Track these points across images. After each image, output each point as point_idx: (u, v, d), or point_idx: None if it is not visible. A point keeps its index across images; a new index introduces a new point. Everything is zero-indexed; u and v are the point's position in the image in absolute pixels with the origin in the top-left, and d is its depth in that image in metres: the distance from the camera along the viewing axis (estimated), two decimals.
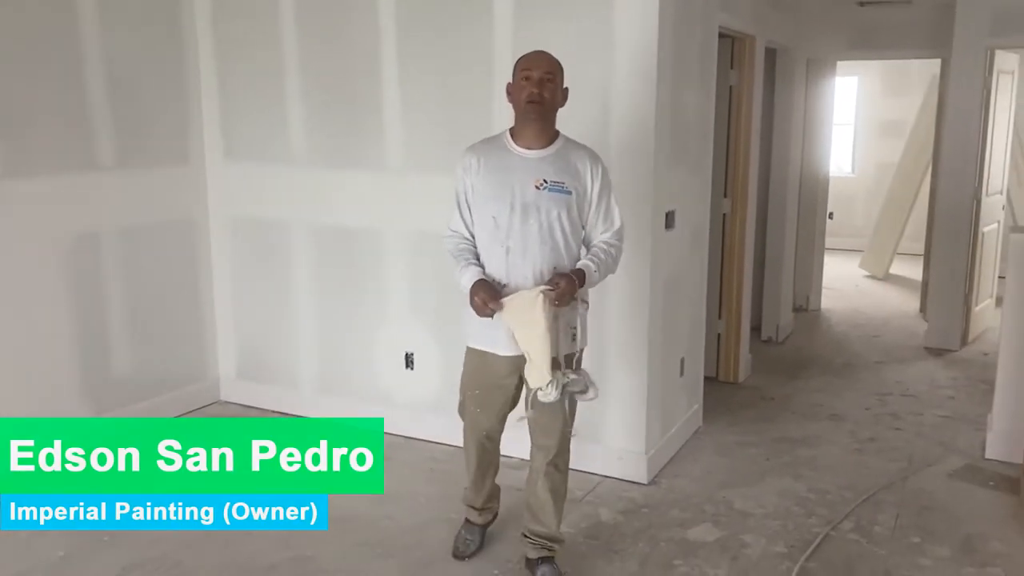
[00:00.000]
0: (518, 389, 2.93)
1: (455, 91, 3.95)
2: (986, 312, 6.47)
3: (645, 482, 3.82)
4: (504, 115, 3.75)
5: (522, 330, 2.71)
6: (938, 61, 6.88)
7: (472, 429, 3.06)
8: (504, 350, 2.82)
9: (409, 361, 4.29)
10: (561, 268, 2.78)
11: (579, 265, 2.81)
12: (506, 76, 3.75)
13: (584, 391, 2.83)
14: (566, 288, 2.68)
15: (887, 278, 8.68)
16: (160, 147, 4.44)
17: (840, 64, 7.27)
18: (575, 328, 2.83)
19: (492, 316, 2.71)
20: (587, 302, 2.90)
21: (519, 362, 2.80)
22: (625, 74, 3.59)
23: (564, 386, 2.76)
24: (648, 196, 3.63)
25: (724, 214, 5.12)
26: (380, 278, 4.29)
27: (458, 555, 3.19)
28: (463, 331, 2.98)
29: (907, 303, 7.59)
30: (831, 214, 7.63)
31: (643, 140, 3.60)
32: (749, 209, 5.17)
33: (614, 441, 3.87)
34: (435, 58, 3.98)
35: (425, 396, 4.25)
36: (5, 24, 3.69)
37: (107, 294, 4.22)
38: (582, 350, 2.91)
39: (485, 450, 3.08)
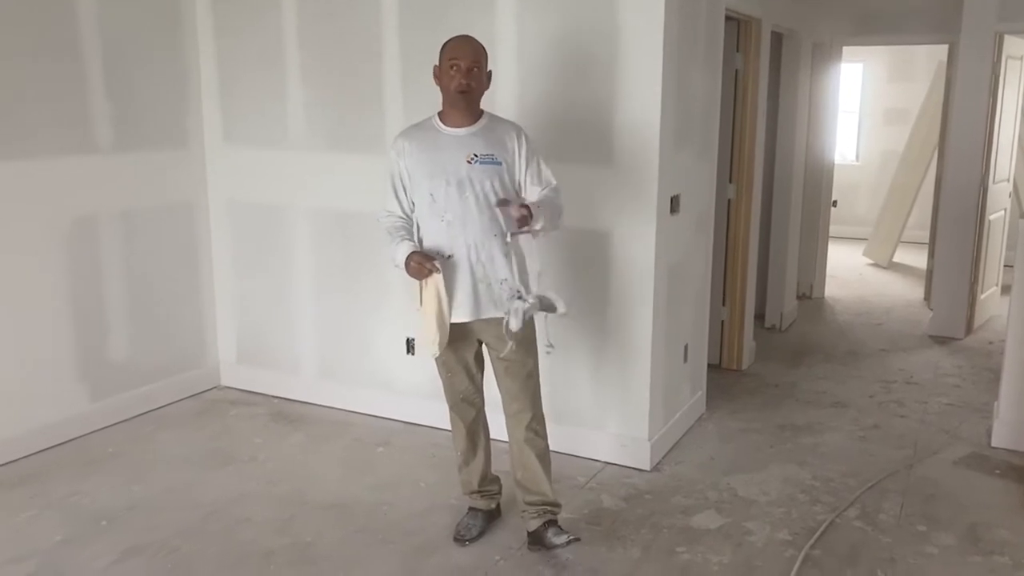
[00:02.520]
0: (478, 346, 3.10)
1: None
2: (991, 300, 6.43)
3: (648, 469, 3.79)
4: (506, 98, 3.74)
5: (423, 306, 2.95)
6: (945, 47, 6.82)
7: (450, 398, 3.18)
8: (454, 318, 2.95)
9: (410, 346, 4.25)
10: (502, 235, 2.93)
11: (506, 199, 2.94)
12: (509, 57, 3.76)
13: (552, 309, 2.96)
14: (514, 204, 2.84)
15: (891, 266, 8.64)
16: (159, 130, 4.39)
17: (846, 51, 7.20)
18: (518, 291, 2.94)
19: (430, 274, 2.85)
20: (536, 234, 2.97)
21: (468, 326, 2.99)
22: (630, 57, 3.54)
23: (524, 312, 2.88)
24: (653, 180, 3.59)
25: (729, 200, 5.07)
26: (380, 262, 4.24)
27: (459, 539, 3.19)
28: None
29: (911, 291, 7.54)
30: (835, 202, 7.58)
31: (648, 124, 3.55)
32: (754, 195, 5.13)
33: (617, 427, 3.84)
34: (436, 41, 3.89)
35: (426, 382, 4.21)
36: (1, 6, 3.63)
37: (105, 278, 4.19)
38: (540, 273, 3.01)
39: (464, 413, 3.17)
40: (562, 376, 3.83)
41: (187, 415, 4.43)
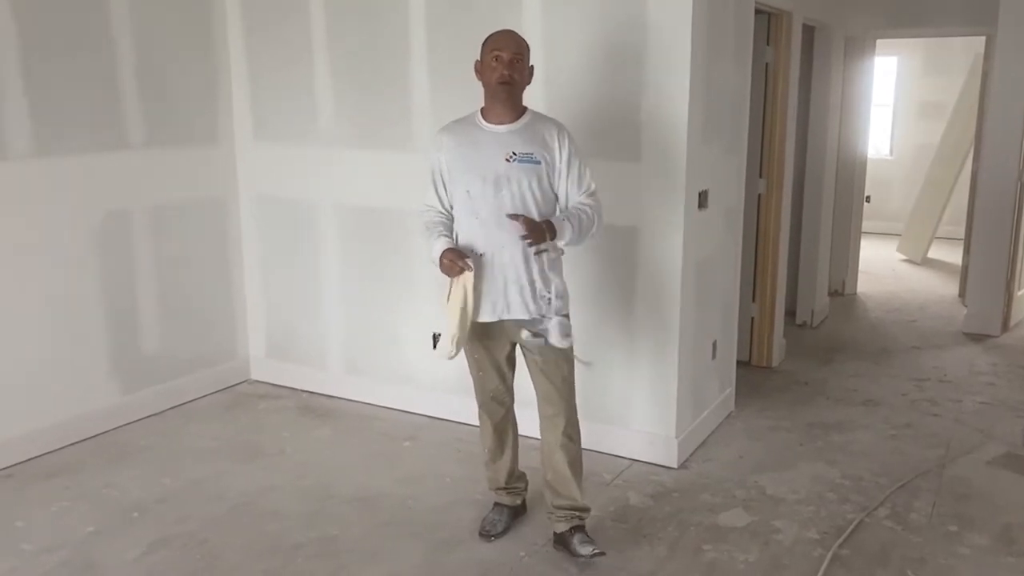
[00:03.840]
0: (511, 348, 3.06)
1: None
2: None
3: (675, 466, 3.77)
4: (533, 93, 3.72)
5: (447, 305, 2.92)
6: (982, 39, 6.70)
7: (480, 396, 3.16)
8: (482, 317, 2.92)
9: (435, 342, 4.26)
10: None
11: (550, 219, 2.88)
12: (535, 53, 3.72)
13: (548, 336, 2.90)
14: (528, 222, 2.78)
15: (925, 262, 8.51)
16: (190, 126, 4.44)
17: (880, 44, 7.10)
18: (549, 294, 2.90)
19: (461, 272, 2.82)
20: (558, 251, 2.94)
21: (500, 326, 2.95)
22: (658, 50, 3.51)
23: (561, 328, 2.88)
24: (681, 175, 3.56)
25: (759, 195, 5.02)
26: (407, 258, 4.26)
27: (484, 534, 3.18)
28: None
29: (945, 288, 7.43)
30: (868, 197, 7.48)
31: (676, 118, 3.53)
32: (785, 190, 5.07)
33: (644, 424, 3.82)
34: (464, 37, 3.92)
35: (451, 377, 4.22)
36: (35, 5, 3.69)
37: (137, 273, 4.24)
38: (549, 299, 2.92)
39: (493, 412, 3.15)
40: (589, 372, 3.81)
41: (217, 409, 4.48)
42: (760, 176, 4.99)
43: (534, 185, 2.87)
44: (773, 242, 5.06)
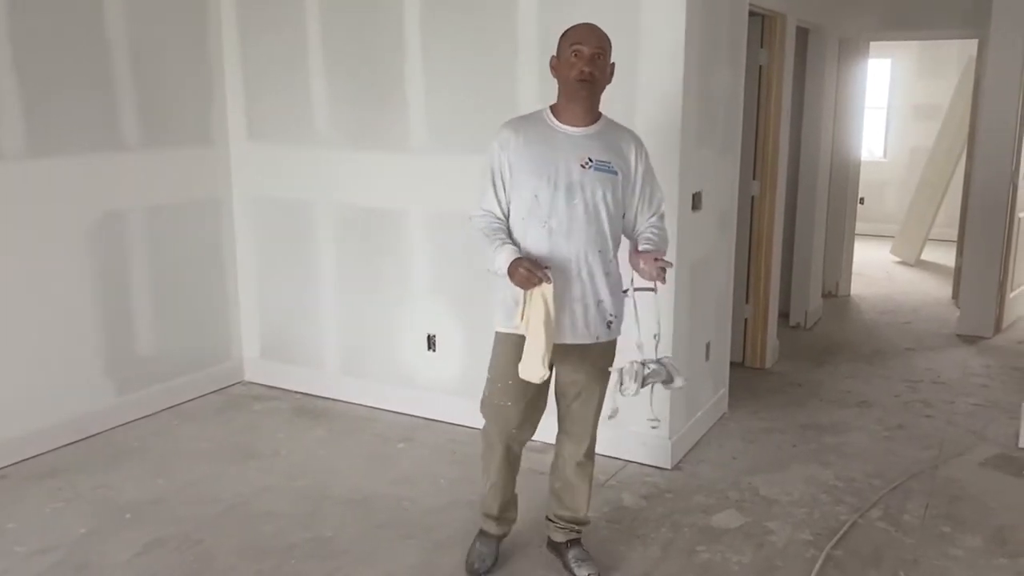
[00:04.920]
0: (549, 382, 2.74)
1: (479, 71, 3.90)
2: (1021, 299, 6.34)
3: (669, 467, 3.77)
4: (528, 95, 3.74)
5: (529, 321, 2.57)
6: (975, 42, 6.72)
7: (498, 425, 2.83)
8: (560, 339, 2.64)
9: (431, 343, 4.26)
10: (606, 251, 2.67)
11: (644, 248, 2.65)
12: (530, 54, 3.75)
13: (669, 380, 2.65)
14: (651, 263, 2.56)
15: (918, 264, 8.54)
16: (185, 128, 4.43)
17: (873, 46, 7.13)
18: (612, 316, 2.71)
19: (540, 282, 2.49)
20: (649, 289, 2.68)
21: (557, 349, 2.62)
22: (652, 51, 3.52)
23: (645, 377, 2.60)
24: (674, 177, 3.56)
25: (753, 197, 5.04)
26: (403, 259, 4.26)
27: (472, 572, 2.95)
28: (494, 316, 2.77)
29: (939, 290, 7.45)
30: (862, 199, 7.51)
31: (670, 119, 3.53)
32: (778, 192, 5.08)
33: (638, 425, 3.81)
34: (459, 38, 3.93)
35: (447, 378, 4.24)
36: (29, 4, 3.68)
37: (132, 274, 4.24)
38: (656, 336, 2.71)
39: (511, 452, 2.88)
40: None
41: (211, 410, 4.47)
42: (754, 178, 5.01)
43: (608, 197, 2.63)
44: (767, 244, 5.08)
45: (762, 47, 4.86)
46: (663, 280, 2.60)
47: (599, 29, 2.65)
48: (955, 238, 7.12)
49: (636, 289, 2.67)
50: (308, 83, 4.36)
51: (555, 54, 2.68)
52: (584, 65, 2.58)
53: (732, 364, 4.61)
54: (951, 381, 5.05)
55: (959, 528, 3.31)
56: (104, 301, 4.12)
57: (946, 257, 8.31)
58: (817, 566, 3.02)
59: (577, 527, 3.00)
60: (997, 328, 6.01)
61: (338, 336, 4.57)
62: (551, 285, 2.50)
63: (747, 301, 5.12)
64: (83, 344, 4.05)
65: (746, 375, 5.02)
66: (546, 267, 2.53)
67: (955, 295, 6.84)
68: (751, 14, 4.35)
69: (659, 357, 2.67)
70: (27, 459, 3.82)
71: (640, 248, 2.67)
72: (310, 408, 4.49)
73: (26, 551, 3.09)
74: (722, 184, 4.15)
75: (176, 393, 4.49)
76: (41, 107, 3.76)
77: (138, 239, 4.25)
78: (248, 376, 4.87)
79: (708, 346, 4.17)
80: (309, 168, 4.46)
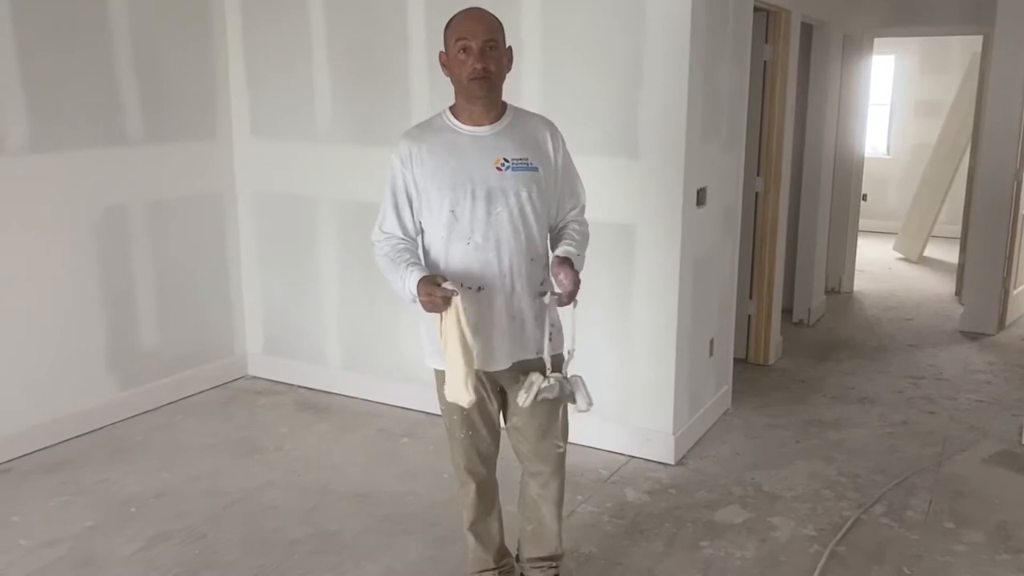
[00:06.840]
0: (501, 397, 2.55)
1: None
2: None
3: (672, 463, 3.78)
4: (531, 89, 3.73)
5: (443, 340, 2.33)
6: (979, 38, 6.70)
7: (466, 458, 2.58)
8: (495, 365, 2.43)
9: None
10: (538, 259, 2.43)
11: (562, 253, 2.38)
12: (533, 52, 3.75)
13: (570, 399, 2.44)
14: (574, 280, 2.31)
15: (921, 261, 8.53)
16: (188, 123, 4.43)
17: (877, 43, 7.11)
18: (552, 326, 2.45)
19: (450, 303, 2.24)
20: (557, 294, 2.37)
21: (500, 375, 2.46)
22: (656, 47, 3.52)
23: (539, 391, 2.36)
24: (679, 172, 3.56)
25: (757, 193, 5.03)
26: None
27: None
28: (422, 349, 2.56)
29: (942, 286, 7.44)
30: (865, 195, 7.49)
31: (674, 115, 3.53)
32: (782, 188, 5.08)
33: (641, 421, 3.83)
34: None
35: None
36: (33, 1, 3.69)
37: (135, 269, 4.24)
38: (571, 352, 2.48)
39: (477, 472, 2.61)
40: (586, 369, 3.82)
41: (214, 404, 4.48)
42: (758, 174, 5.00)
43: (534, 196, 2.37)
44: (770, 240, 5.07)
45: (767, 43, 4.85)
46: (574, 305, 2.35)
47: (486, 14, 2.36)
48: (958, 235, 7.12)
49: (553, 294, 2.37)
50: (311, 78, 4.36)
51: (443, 49, 2.38)
52: (475, 62, 2.28)
53: (735, 360, 4.61)
54: (954, 377, 5.04)
55: (962, 524, 3.31)
56: (107, 296, 4.12)
57: (949, 254, 8.30)
58: (821, 562, 3.02)
59: (555, 564, 2.72)
60: (1000, 325, 6.00)
61: (341, 330, 4.57)
62: (458, 297, 2.25)
63: (751, 297, 5.12)
64: (87, 339, 4.06)
65: (749, 371, 5.02)
66: (442, 282, 2.26)
67: (958, 292, 6.84)
68: (756, 10, 4.34)
69: (569, 375, 2.44)
70: (31, 453, 3.83)
71: (560, 252, 2.39)
72: (313, 403, 4.50)
73: (31, 544, 3.10)
74: (726, 180, 4.14)
75: (179, 388, 4.50)
76: (44, 102, 3.76)
77: (141, 234, 4.25)
78: (251, 371, 4.87)
79: (712, 342, 4.17)
80: (312, 163, 4.46)
